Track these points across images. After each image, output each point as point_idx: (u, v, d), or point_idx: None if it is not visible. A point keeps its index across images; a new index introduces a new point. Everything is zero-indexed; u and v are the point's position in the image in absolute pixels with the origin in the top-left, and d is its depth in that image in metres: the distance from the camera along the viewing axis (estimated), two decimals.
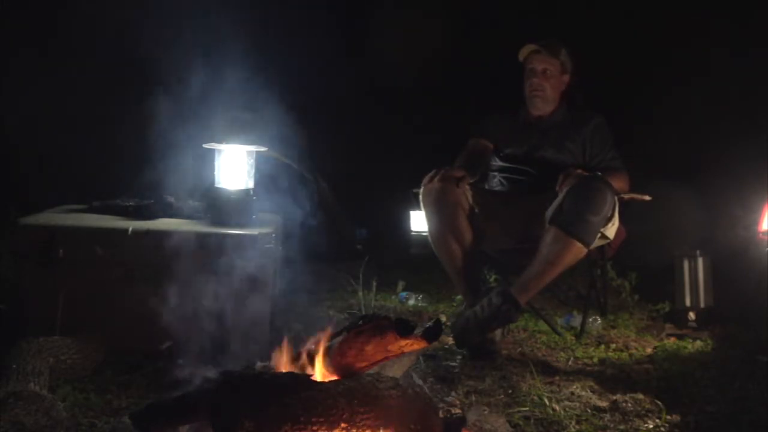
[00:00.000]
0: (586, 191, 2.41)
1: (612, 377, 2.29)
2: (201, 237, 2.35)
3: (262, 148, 2.60)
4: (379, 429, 1.31)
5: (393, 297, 3.62)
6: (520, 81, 2.91)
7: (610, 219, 2.47)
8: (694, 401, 2.01)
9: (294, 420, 1.25)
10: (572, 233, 2.37)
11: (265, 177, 2.68)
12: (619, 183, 2.67)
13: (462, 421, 1.54)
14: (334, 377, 1.41)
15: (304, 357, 1.48)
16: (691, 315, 3.11)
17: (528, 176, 2.78)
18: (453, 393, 2.06)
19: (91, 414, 1.81)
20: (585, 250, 2.42)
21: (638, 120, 4.46)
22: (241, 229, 2.41)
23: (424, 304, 3.48)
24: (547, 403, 1.94)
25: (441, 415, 1.57)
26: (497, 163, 2.88)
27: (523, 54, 2.85)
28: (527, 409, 1.91)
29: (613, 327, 3.06)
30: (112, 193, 2.74)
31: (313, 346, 1.46)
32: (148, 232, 2.35)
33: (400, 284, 3.81)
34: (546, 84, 2.81)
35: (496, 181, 2.87)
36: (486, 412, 1.80)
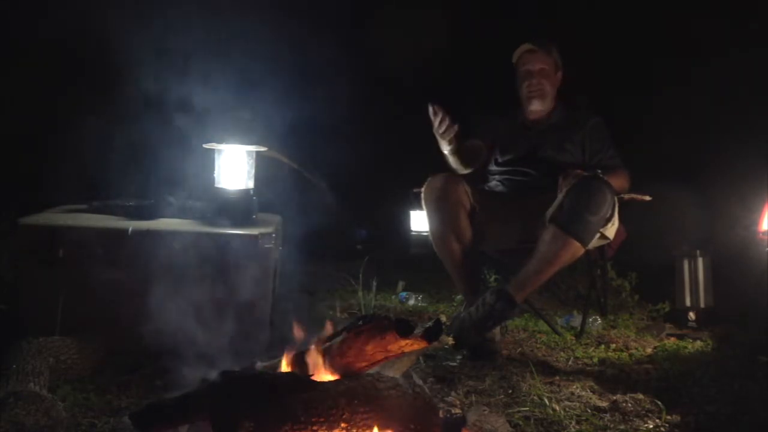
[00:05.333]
0: (585, 191, 2.42)
1: (612, 377, 2.29)
2: (201, 237, 2.35)
3: (262, 148, 2.60)
4: (379, 429, 1.30)
5: (393, 297, 3.62)
6: (514, 83, 2.91)
7: (609, 219, 2.47)
8: (694, 401, 2.01)
9: (294, 420, 1.25)
10: (570, 232, 2.38)
11: (265, 177, 2.68)
12: (618, 182, 2.67)
13: (462, 421, 1.53)
14: (334, 377, 1.41)
15: (303, 357, 1.47)
16: (691, 315, 3.11)
17: (528, 177, 2.78)
18: (453, 393, 2.06)
19: (91, 414, 1.81)
20: (583, 249, 2.42)
21: (638, 120, 4.46)
22: (241, 229, 2.41)
23: (424, 304, 3.48)
24: (547, 403, 1.94)
25: (441, 415, 1.57)
26: (496, 166, 2.88)
27: (517, 55, 2.85)
28: (527, 409, 1.91)
29: (613, 327, 3.06)
30: (112, 193, 2.74)
31: (312, 346, 1.46)
32: (148, 232, 2.35)
33: (400, 284, 3.81)
34: (544, 82, 2.81)
35: (495, 183, 2.87)
36: (486, 412, 1.80)
